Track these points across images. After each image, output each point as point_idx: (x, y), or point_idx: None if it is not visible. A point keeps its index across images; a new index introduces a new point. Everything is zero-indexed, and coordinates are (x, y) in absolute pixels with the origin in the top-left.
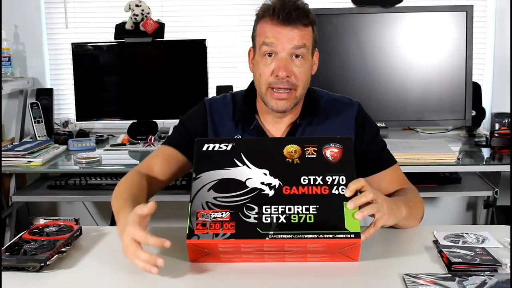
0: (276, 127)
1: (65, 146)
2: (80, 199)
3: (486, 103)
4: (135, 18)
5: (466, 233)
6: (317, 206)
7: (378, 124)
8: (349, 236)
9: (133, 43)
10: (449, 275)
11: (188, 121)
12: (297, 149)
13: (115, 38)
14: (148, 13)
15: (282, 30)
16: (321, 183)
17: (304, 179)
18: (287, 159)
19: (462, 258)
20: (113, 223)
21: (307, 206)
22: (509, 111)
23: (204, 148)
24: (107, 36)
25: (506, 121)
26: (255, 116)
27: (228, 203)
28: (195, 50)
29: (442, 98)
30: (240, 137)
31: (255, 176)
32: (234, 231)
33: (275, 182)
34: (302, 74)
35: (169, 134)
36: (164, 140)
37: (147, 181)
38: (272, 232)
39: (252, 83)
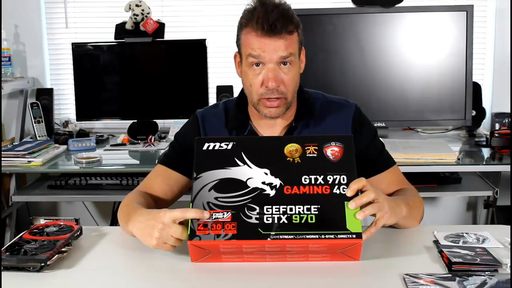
0: (270, 131)
1: (65, 146)
2: (80, 199)
3: (486, 103)
4: (135, 18)
5: (466, 233)
6: (318, 206)
7: (378, 124)
8: (350, 236)
9: (133, 43)
10: (450, 275)
11: (182, 137)
12: (297, 148)
13: (115, 38)
14: (148, 13)
15: (267, 41)
16: (322, 182)
17: (305, 178)
18: (287, 158)
19: (463, 258)
20: (113, 223)
21: (308, 206)
22: (509, 111)
23: (205, 147)
24: (107, 36)
25: (506, 121)
26: (249, 122)
27: (230, 203)
28: (195, 50)
29: (442, 98)
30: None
31: (256, 176)
32: (236, 232)
33: (276, 182)
34: (290, 81)
35: (165, 151)
36: (161, 158)
37: (152, 199)
38: (273, 233)
39: (242, 91)
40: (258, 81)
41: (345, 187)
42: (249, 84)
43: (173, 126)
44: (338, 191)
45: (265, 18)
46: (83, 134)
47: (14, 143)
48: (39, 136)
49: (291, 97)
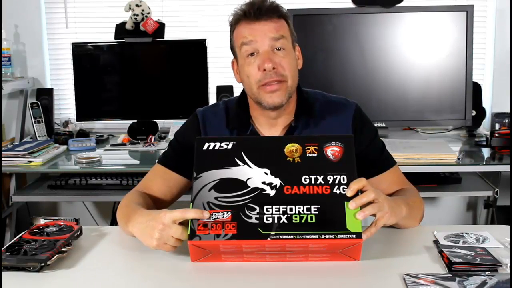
0: (271, 131)
1: (65, 146)
2: (80, 199)
3: (486, 103)
4: (135, 18)
5: (466, 233)
6: (318, 206)
7: (378, 124)
8: (350, 236)
9: (133, 43)
10: (450, 275)
11: (182, 136)
12: (298, 147)
13: (115, 38)
14: (148, 13)
15: (256, 26)
16: (322, 182)
17: (305, 178)
18: (288, 158)
19: (463, 258)
20: (113, 223)
21: (308, 206)
22: (509, 111)
23: (205, 147)
24: (107, 36)
25: (506, 121)
26: (250, 122)
27: (230, 203)
28: (195, 50)
29: (442, 98)
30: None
31: (256, 176)
32: (236, 232)
33: (276, 181)
34: (288, 64)
35: (165, 150)
36: (160, 157)
37: (150, 200)
38: (273, 233)
39: (243, 91)
40: (254, 68)
41: (345, 187)
42: (247, 75)
43: (173, 126)
44: (338, 191)
45: (251, 7)
46: (83, 134)
47: (14, 143)
48: (39, 136)
49: (292, 82)
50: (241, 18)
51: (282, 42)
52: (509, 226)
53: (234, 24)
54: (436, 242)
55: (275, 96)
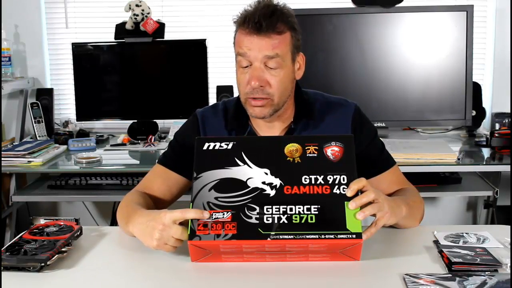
0: (269, 133)
1: (65, 146)
2: (80, 199)
3: (486, 103)
4: (135, 18)
5: (466, 233)
6: (318, 206)
7: (378, 124)
8: (350, 236)
9: (133, 43)
10: (450, 275)
11: (181, 136)
12: (298, 148)
13: (115, 38)
14: (148, 13)
15: (254, 39)
16: (322, 182)
17: (305, 178)
18: (288, 158)
19: (463, 258)
20: (113, 223)
21: (308, 206)
22: (509, 111)
23: (205, 147)
24: (107, 36)
25: (506, 121)
26: (248, 123)
27: (230, 203)
28: (195, 50)
29: (442, 98)
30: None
31: (256, 176)
32: (236, 232)
33: (276, 181)
34: (277, 83)
35: (165, 150)
36: (160, 158)
37: (151, 200)
38: (273, 233)
39: None
40: (244, 80)
41: (345, 187)
42: (238, 83)
43: (173, 126)
44: (338, 191)
45: (253, 16)
46: (83, 134)
47: (14, 143)
48: (39, 136)
49: (279, 99)
50: (241, 24)
51: (276, 60)
52: (509, 226)
53: (237, 26)
54: (436, 242)
55: (258, 111)
